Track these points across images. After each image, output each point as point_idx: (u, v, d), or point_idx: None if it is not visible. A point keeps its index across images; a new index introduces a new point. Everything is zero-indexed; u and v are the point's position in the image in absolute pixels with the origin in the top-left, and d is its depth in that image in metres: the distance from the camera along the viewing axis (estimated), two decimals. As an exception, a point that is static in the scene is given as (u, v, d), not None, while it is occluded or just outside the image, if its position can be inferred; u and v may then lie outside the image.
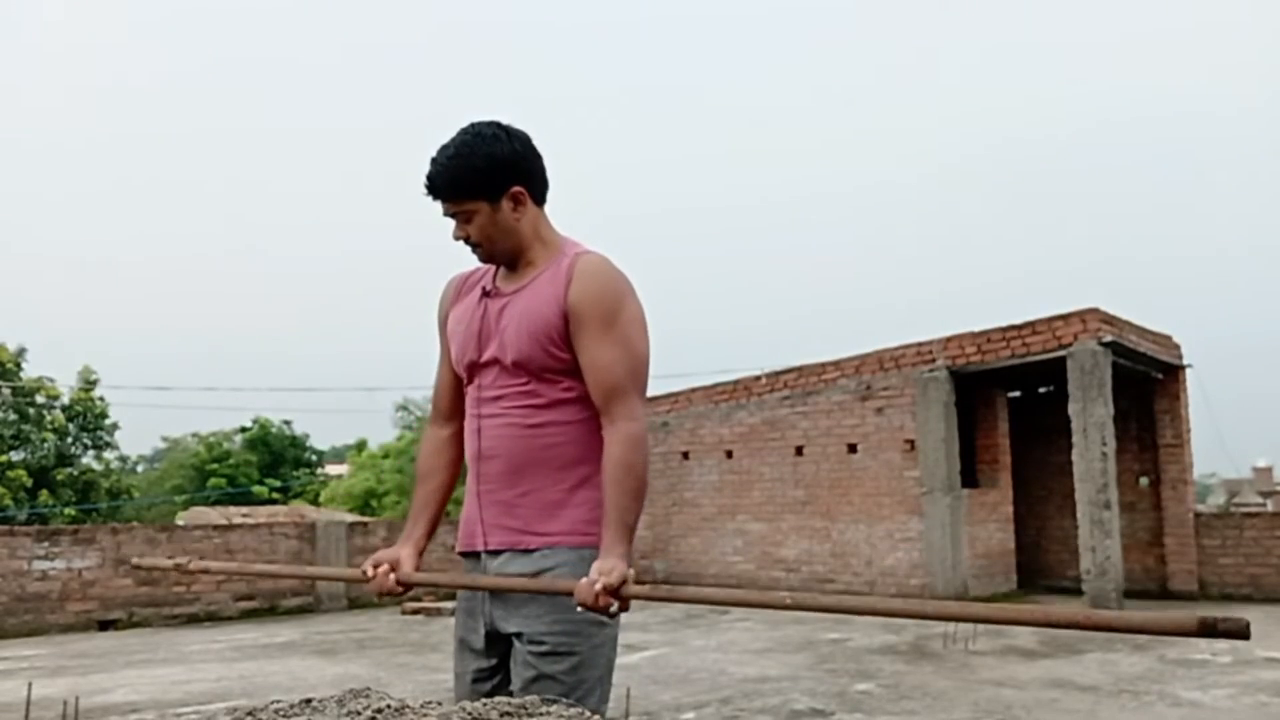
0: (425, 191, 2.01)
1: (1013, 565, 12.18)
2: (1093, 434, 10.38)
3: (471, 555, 2.07)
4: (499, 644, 2.00)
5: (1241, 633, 1.31)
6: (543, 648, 1.90)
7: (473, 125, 2.00)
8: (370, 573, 2.03)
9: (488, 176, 1.97)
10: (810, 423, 12.49)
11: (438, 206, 2.03)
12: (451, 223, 2.03)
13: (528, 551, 1.96)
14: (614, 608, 1.78)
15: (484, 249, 2.03)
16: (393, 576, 2.01)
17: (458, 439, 2.15)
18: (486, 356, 2.02)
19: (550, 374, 1.97)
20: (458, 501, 2.29)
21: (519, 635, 1.93)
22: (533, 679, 1.89)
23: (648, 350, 2.00)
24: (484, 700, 1.52)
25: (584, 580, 1.79)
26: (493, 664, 2.01)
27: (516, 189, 1.99)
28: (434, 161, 2.00)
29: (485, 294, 2.07)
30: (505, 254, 2.04)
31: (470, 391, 2.08)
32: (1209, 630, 1.32)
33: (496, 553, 2.00)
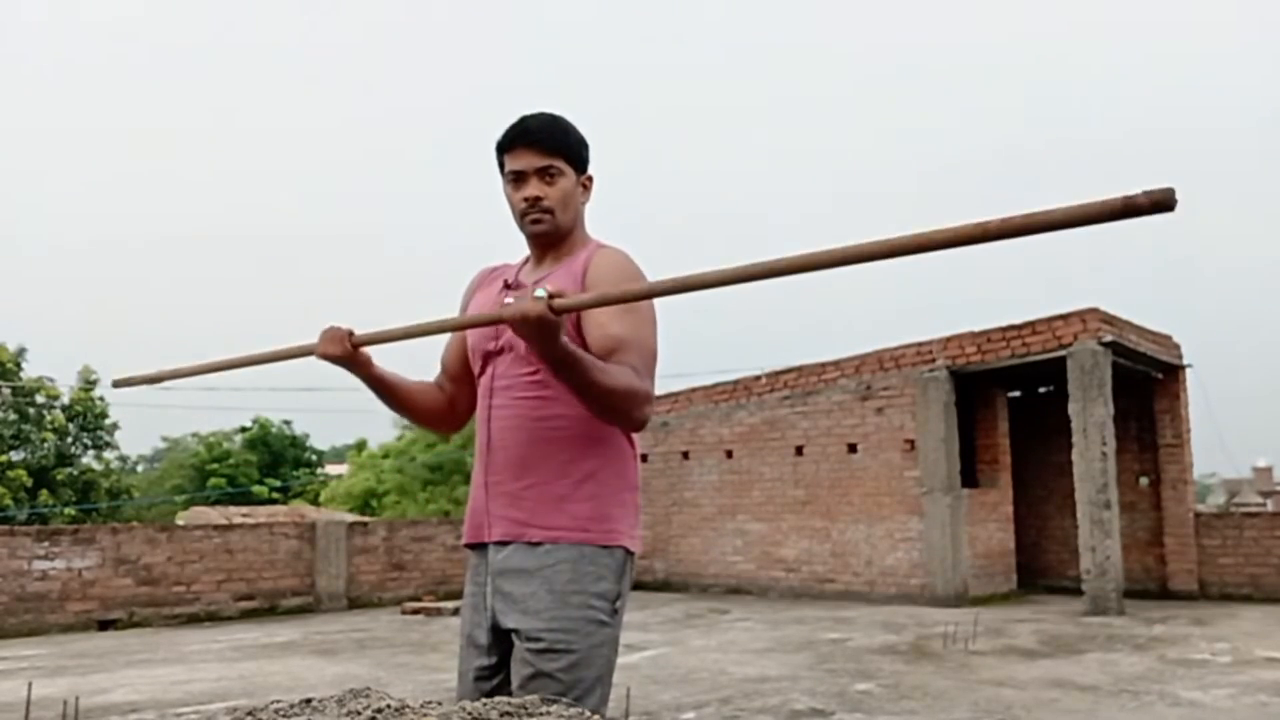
0: (517, 138, 2.01)
1: (1013, 565, 12.18)
2: (1093, 434, 10.38)
3: (478, 547, 2.07)
4: (502, 642, 1.99)
5: (1167, 201, 1.19)
6: (540, 644, 1.89)
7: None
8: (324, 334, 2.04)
9: (582, 149, 2.06)
10: (810, 423, 12.49)
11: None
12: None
13: (531, 545, 1.95)
14: (537, 302, 1.65)
15: (553, 217, 2.02)
16: (345, 330, 2.03)
17: (449, 398, 2.21)
18: (500, 343, 2.04)
19: None
20: (457, 501, 2.28)
21: (517, 632, 1.93)
22: (530, 676, 1.88)
23: (657, 345, 2.01)
24: (484, 700, 1.51)
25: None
26: (494, 662, 2.00)
27: (589, 175, 2.09)
28: (533, 117, 2.02)
29: (507, 285, 2.10)
30: (563, 230, 2.05)
31: (483, 381, 2.09)
32: (1133, 208, 1.21)
33: (502, 544, 2.00)
